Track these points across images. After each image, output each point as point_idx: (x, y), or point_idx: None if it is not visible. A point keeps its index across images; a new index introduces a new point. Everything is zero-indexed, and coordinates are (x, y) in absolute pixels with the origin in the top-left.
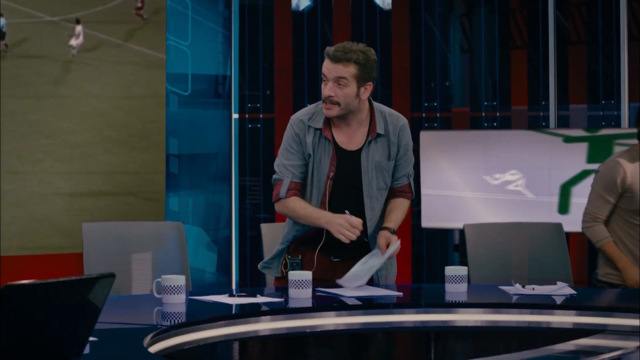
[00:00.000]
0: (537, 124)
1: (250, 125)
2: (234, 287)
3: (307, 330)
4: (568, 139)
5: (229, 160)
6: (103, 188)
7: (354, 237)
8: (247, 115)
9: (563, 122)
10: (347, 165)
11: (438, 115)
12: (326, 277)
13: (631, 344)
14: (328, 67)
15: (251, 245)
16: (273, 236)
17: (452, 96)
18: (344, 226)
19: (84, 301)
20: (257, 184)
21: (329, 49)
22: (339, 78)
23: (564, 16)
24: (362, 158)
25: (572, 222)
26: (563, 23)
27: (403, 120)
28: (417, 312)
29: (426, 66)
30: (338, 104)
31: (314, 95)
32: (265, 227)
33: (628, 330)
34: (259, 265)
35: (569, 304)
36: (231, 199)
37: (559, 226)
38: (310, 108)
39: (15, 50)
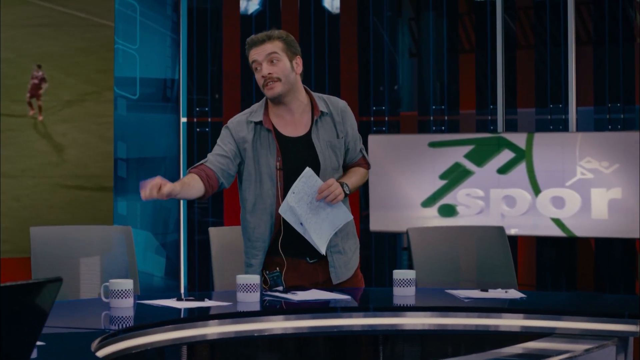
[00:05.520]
0: (485, 127)
1: (198, 129)
2: (182, 291)
3: (255, 334)
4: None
5: (177, 164)
6: (49, 192)
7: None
8: (195, 119)
9: (511, 126)
10: (297, 151)
11: (386, 119)
12: (309, 282)
13: (579, 347)
14: (256, 52)
15: (199, 249)
16: (221, 240)
17: (401, 100)
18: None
19: (30, 306)
20: None
21: (249, 39)
22: (270, 54)
23: (512, 20)
24: (313, 139)
25: (523, 226)
26: (511, 27)
27: (343, 102)
28: (365, 316)
29: (374, 70)
30: (279, 79)
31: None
32: (213, 231)
33: (576, 334)
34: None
35: (517, 307)
36: (179, 203)
37: (501, 229)
38: (247, 110)
39: None
